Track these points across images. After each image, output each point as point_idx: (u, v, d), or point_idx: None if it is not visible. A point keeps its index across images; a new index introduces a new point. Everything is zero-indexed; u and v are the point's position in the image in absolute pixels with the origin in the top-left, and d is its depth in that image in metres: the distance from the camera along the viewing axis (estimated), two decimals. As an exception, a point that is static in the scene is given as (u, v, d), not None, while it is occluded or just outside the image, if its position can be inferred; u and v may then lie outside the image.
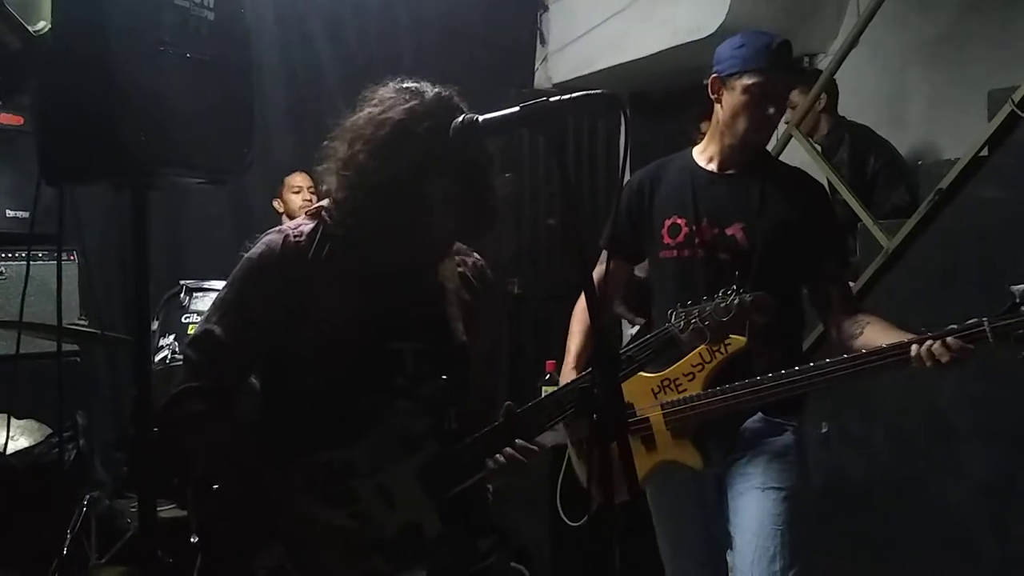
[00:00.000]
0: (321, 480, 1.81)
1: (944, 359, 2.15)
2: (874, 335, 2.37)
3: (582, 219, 5.93)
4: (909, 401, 3.54)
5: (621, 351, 1.97)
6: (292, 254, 1.84)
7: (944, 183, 3.48)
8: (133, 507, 3.87)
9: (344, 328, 1.81)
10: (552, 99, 1.52)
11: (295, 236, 1.86)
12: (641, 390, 2.42)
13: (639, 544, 2.21)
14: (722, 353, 2.30)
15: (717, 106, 2.49)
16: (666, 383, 2.41)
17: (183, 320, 3.67)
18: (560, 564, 3.74)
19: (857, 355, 2.28)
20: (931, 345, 2.16)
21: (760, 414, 2.44)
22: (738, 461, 2.46)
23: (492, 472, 1.82)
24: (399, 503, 1.82)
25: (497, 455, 1.81)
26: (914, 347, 2.19)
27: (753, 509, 2.40)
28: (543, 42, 6.08)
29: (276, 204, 4.89)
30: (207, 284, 3.76)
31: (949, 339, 2.16)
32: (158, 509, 2.23)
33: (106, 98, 1.86)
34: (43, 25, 2.21)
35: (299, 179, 4.83)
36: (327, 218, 1.86)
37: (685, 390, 2.39)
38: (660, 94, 5.97)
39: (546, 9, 6.04)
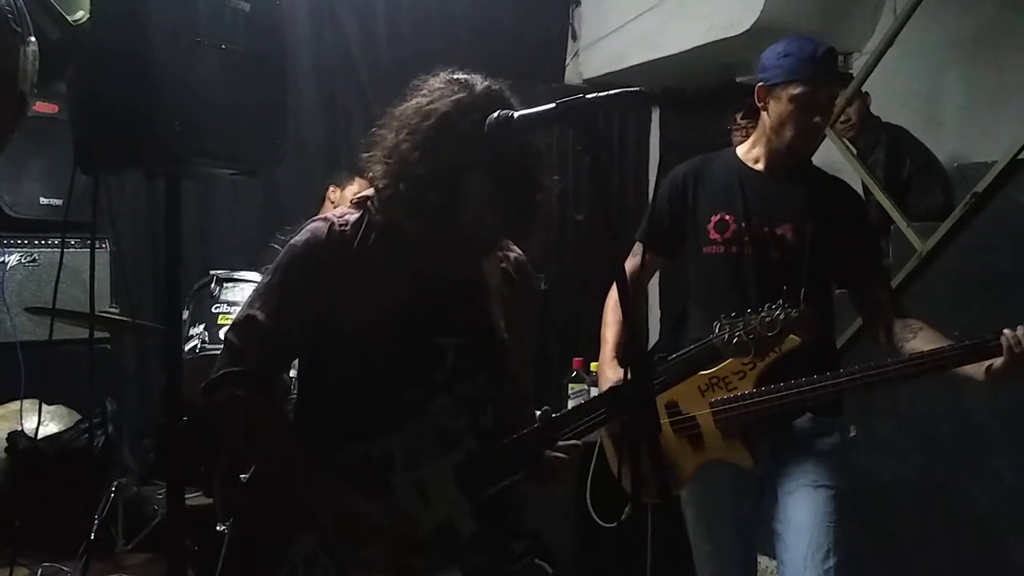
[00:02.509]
0: (357, 472, 1.80)
1: None
2: (927, 340, 2.34)
3: (614, 215, 5.93)
4: (937, 405, 3.50)
5: (667, 358, 1.96)
6: (337, 242, 1.82)
7: (980, 186, 3.44)
8: (160, 494, 3.91)
9: (386, 320, 1.80)
10: (588, 96, 1.51)
11: (340, 225, 1.84)
12: (687, 388, 2.39)
13: (668, 545, 2.19)
14: (775, 352, 2.26)
15: (763, 113, 2.49)
16: (715, 381, 2.38)
17: (213, 310, 3.69)
18: (584, 563, 3.73)
19: (919, 355, 2.25)
20: (1020, 332, 2.10)
21: (809, 414, 2.44)
22: (787, 460, 2.46)
23: (530, 476, 1.81)
24: (434, 500, 1.81)
25: (553, 461, 1.79)
26: (1005, 333, 2.13)
27: (806, 506, 2.40)
28: (574, 37, 6.06)
29: (332, 192, 4.77)
30: (237, 275, 3.78)
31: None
32: (185, 497, 2.24)
33: (142, 88, 1.87)
34: (82, 15, 2.22)
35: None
36: (372, 208, 1.85)
37: (735, 388, 2.37)
38: (693, 91, 5.95)
39: (578, 4, 6.02)
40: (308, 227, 1.87)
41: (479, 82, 1.77)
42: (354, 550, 1.77)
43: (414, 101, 1.78)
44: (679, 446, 2.43)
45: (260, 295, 1.86)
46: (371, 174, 1.82)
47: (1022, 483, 3.30)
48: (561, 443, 1.81)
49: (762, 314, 2.01)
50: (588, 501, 3.20)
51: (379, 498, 1.79)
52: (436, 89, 1.77)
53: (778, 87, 2.42)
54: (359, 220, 1.85)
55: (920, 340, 2.36)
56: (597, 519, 3.23)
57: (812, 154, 2.57)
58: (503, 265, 1.98)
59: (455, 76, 1.79)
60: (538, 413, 1.84)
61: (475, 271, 1.92)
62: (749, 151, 2.57)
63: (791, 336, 2.15)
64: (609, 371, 2.54)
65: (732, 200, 2.51)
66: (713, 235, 2.50)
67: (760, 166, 2.53)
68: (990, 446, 3.38)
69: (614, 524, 3.24)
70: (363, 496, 1.78)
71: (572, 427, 1.83)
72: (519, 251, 2.03)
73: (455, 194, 1.73)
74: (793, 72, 2.39)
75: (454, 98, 1.73)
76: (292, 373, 2.28)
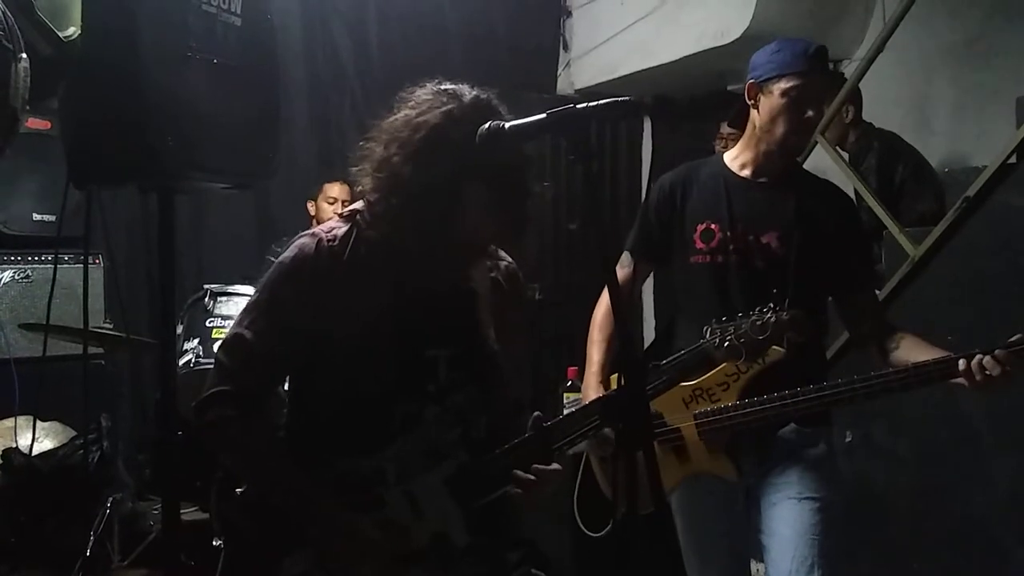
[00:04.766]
0: (350, 487, 1.79)
1: (995, 372, 2.12)
2: (911, 351, 2.35)
3: (606, 225, 5.92)
4: (933, 410, 3.50)
5: (656, 364, 1.96)
6: (325, 257, 1.81)
7: (971, 191, 3.44)
8: (156, 509, 3.90)
9: (377, 334, 1.79)
10: (579, 106, 1.52)
11: (328, 239, 1.83)
12: (672, 400, 2.38)
13: (662, 554, 2.19)
14: (759, 364, 2.25)
15: (754, 112, 2.48)
16: (698, 393, 2.37)
17: (207, 324, 3.69)
18: (581, 573, 3.72)
19: (903, 369, 2.25)
20: (981, 359, 2.13)
21: (793, 424, 2.42)
22: (772, 471, 2.45)
23: (520, 488, 1.80)
24: (427, 512, 1.81)
25: (525, 473, 1.79)
26: (962, 361, 2.16)
27: (790, 519, 2.39)
28: (566, 48, 6.08)
29: (310, 206, 4.85)
30: (231, 288, 3.79)
31: (999, 352, 2.13)
32: (181, 512, 2.24)
33: (134, 103, 1.88)
34: (73, 31, 2.23)
35: (337, 190, 4.76)
36: (361, 221, 1.85)
37: (719, 400, 2.35)
38: (684, 99, 5.96)
39: (569, 15, 6.04)
40: (296, 243, 1.86)
41: (467, 92, 1.77)
42: (349, 565, 1.76)
43: (402, 114, 1.77)
44: (663, 458, 2.40)
45: (249, 313, 1.85)
46: (360, 188, 1.81)
47: (1018, 487, 3.30)
48: (543, 468, 1.80)
49: (752, 317, 2.01)
50: (575, 511, 3.17)
51: (372, 512, 1.79)
52: (424, 101, 1.76)
53: (770, 82, 2.41)
54: (347, 234, 1.84)
55: (903, 352, 2.37)
56: (584, 529, 3.21)
57: (802, 151, 2.55)
58: (493, 274, 1.98)
59: (443, 87, 1.78)
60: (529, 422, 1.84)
61: (465, 281, 1.92)
62: (735, 157, 2.55)
63: (775, 348, 2.13)
64: (593, 394, 2.51)
65: (718, 208, 2.49)
66: (699, 244, 2.49)
67: (746, 172, 2.51)
68: (987, 450, 3.38)
69: (601, 534, 3.23)
70: (356, 510, 1.78)
71: (565, 436, 1.83)
72: (509, 259, 2.02)
73: (447, 206, 1.73)
74: (785, 66, 2.39)
75: (444, 109, 1.73)
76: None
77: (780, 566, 2.38)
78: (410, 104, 1.78)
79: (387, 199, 1.75)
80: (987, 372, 2.13)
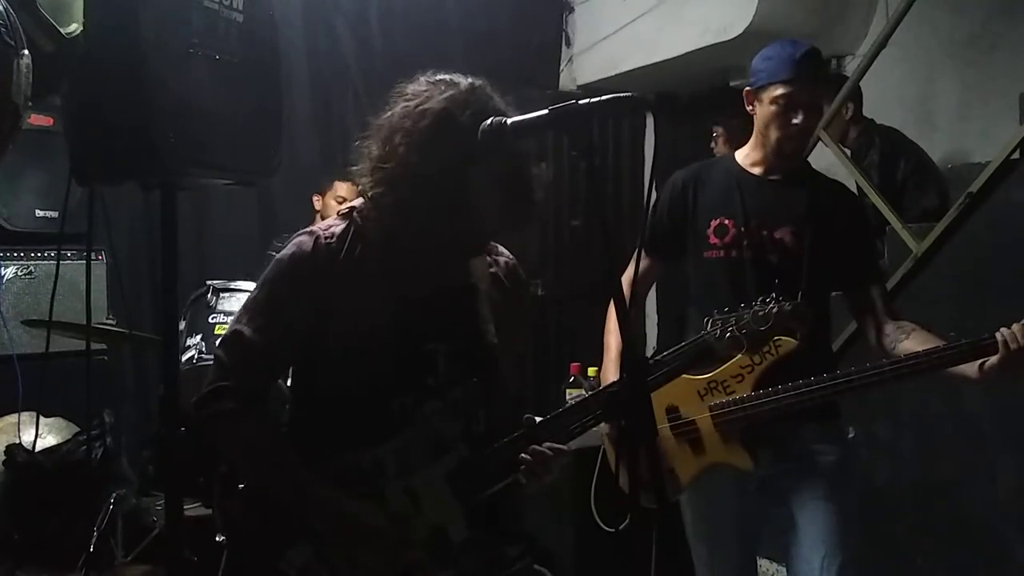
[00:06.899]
0: (349, 481, 1.80)
1: None
2: (920, 341, 2.36)
3: (610, 221, 5.92)
4: (936, 406, 3.50)
5: (657, 357, 1.97)
6: (323, 255, 1.83)
7: (974, 186, 3.44)
8: (159, 505, 3.90)
9: (375, 329, 1.80)
10: (581, 101, 1.52)
11: (326, 237, 1.85)
12: (686, 392, 2.40)
13: (668, 549, 2.19)
14: (773, 354, 2.28)
15: (755, 116, 2.52)
16: (713, 385, 2.39)
17: (210, 320, 3.70)
18: (584, 568, 3.73)
19: (933, 349, 2.26)
20: (1016, 327, 2.14)
21: (812, 419, 2.44)
22: (794, 469, 2.46)
23: (520, 477, 1.81)
24: (426, 505, 1.82)
25: (523, 455, 1.80)
26: (1002, 331, 2.16)
27: (818, 518, 2.41)
28: (568, 43, 6.07)
29: (315, 201, 4.81)
30: (234, 284, 3.79)
31: None
32: (184, 508, 2.24)
33: (136, 99, 1.87)
34: (75, 27, 2.23)
35: (346, 189, 4.73)
36: (359, 219, 1.85)
37: (734, 392, 2.37)
38: (687, 95, 5.96)
39: (571, 10, 6.03)
40: (294, 240, 1.87)
41: (463, 79, 1.79)
42: (348, 557, 1.77)
43: (400, 107, 1.78)
44: (679, 450, 2.43)
45: (247, 310, 1.86)
46: (362, 186, 1.81)
47: (1023, 484, 3.30)
48: (547, 444, 1.81)
49: (754, 308, 2.02)
50: (592, 505, 3.18)
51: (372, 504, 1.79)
52: (422, 91, 1.78)
53: (761, 90, 2.47)
54: (345, 231, 1.85)
55: (912, 341, 2.38)
56: (601, 523, 3.21)
57: (800, 153, 2.59)
58: (492, 270, 1.98)
59: (437, 77, 1.80)
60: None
61: (464, 276, 1.92)
62: (747, 155, 2.59)
63: (788, 339, 2.15)
64: (613, 378, 2.54)
65: (731, 204, 2.53)
66: (713, 239, 2.52)
67: (758, 170, 2.56)
68: (990, 447, 3.38)
69: (617, 529, 3.23)
70: (356, 503, 1.78)
71: (562, 430, 1.83)
72: (509, 255, 2.03)
73: (457, 192, 1.73)
74: (774, 74, 2.44)
75: (446, 95, 1.74)
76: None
77: (809, 563, 2.40)
78: (406, 97, 1.79)
79: (394, 191, 1.75)
80: (1020, 343, 2.13)
